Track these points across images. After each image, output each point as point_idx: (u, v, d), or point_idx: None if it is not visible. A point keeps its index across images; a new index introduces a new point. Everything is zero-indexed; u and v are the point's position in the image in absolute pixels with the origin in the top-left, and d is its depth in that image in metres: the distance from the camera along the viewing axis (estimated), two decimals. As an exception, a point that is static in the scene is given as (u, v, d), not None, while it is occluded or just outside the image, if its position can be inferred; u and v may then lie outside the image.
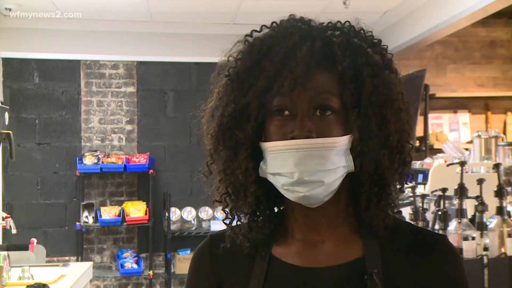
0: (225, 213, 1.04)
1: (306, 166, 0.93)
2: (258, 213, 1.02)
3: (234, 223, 1.04)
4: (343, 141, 0.95)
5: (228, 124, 0.98)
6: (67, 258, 5.51)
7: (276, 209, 1.06)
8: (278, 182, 0.96)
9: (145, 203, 5.61)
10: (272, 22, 1.01)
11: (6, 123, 4.10)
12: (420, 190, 2.92)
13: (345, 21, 1.01)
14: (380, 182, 0.97)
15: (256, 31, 1.01)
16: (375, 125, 0.96)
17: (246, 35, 1.01)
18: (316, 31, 0.99)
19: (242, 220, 1.03)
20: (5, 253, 3.03)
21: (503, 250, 2.26)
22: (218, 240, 1.05)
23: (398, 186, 1.01)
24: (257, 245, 1.02)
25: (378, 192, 0.97)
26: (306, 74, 0.93)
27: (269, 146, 0.96)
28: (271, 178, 0.97)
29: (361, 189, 0.97)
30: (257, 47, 0.98)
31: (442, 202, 2.46)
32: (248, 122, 0.97)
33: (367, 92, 0.96)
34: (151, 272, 5.57)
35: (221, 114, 0.99)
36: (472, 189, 2.39)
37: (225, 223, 1.05)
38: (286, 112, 0.95)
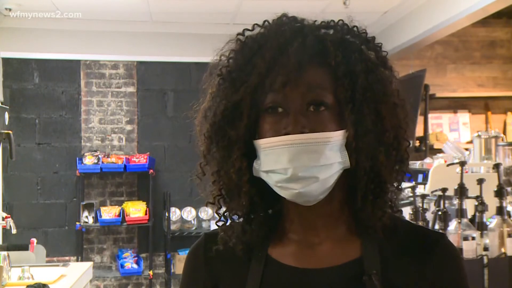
0: (218, 215, 1.02)
1: (300, 161, 0.91)
2: (252, 216, 1.00)
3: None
4: (337, 136, 0.93)
5: (220, 123, 0.97)
6: (67, 258, 5.51)
7: (270, 211, 1.03)
8: (272, 180, 0.94)
9: (145, 203, 5.61)
10: (264, 21, 1.00)
11: (6, 123, 4.10)
12: (420, 190, 2.92)
13: (339, 20, 1.00)
14: (376, 179, 0.95)
15: (248, 30, 1.00)
16: (370, 121, 0.94)
17: (238, 34, 1.00)
18: (308, 29, 0.98)
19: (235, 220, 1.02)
20: (5, 253, 3.03)
21: (503, 250, 2.26)
22: (213, 240, 1.03)
23: (396, 184, 0.99)
24: (252, 246, 1.00)
25: (375, 190, 0.96)
26: (298, 70, 0.92)
27: (262, 143, 0.94)
28: (264, 176, 0.96)
29: (357, 187, 0.95)
30: (249, 45, 0.97)
31: (442, 202, 2.46)
32: (241, 120, 0.96)
33: (361, 88, 0.94)
34: (151, 272, 5.57)
35: (213, 113, 0.98)
36: (472, 189, 2.39)
37: (218, 226, 1.03)
38: (280, 109, 0.94)
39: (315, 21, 1.00)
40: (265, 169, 0.95)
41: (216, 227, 1.05)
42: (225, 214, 1.02)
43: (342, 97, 0.93)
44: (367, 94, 0.94)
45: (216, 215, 1.03)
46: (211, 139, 0.99)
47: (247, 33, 1.00)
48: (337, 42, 0.96)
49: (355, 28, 1.00)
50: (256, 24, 1.00)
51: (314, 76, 0.94)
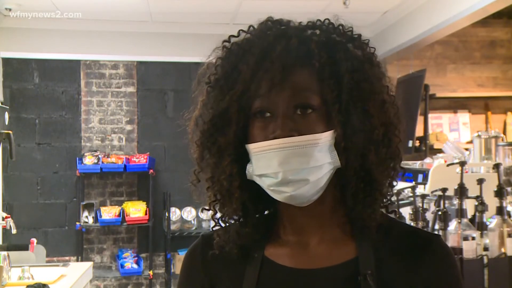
0: (214, 220, 1.03)
1: (290, 165, 0.91)
2: (247, 219, 1.01)
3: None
4: (325, 137, 0.93)
5: (210, 131, 0.98)
6: (67, 258, 5.51)
7: (266, 212, 1.05)
8: (264, 183, 0.95)
9: (145, 203, 5.61)
10: (249, 26, 1.00)
11: (6, 123, 4.11)
12: (420, 190, 2.92)
13: (325, 19, 1.00)
14: (367, 177, 0.95)
15: (234, 36, 1.01)
16: (358, 120, 0.94)
17: (224, 41, 1.01)
18: (292, 31, 0.98)
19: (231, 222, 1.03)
20: (5, 253, 3.03)
21: (503, 250, 2.26)
22: (210, 241, 1.04)
23: (388, 182, 0.99)
24: (248, 247, 1.01)
25: (365, 188, 0.96)
26: (282, 73, 0.93)
27: (252, 148, 0.95)
28: (257, 180, 0.97)
29: (347, 186, 0.96)
30: (234, 52, 0.98)
31: (442, 202, 2.46)
32: (230, 127, 0.96)
33: (347, 87, 0.94)
34: (151, 272, 5.57)
35: (203, 121, 0.99)
36: (472, 189, 2.38)
37: (213, 231, 1.04)
38: (267, 114, 0.94)
39: (300, 22, 1.00)
40: (257, 173, 0.96)
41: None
42: (222, 219, 1.03)
43: (329, 98, 0.94)
44: (353, 93, 0.94)
45: (212, 220, 1.04)
46: (203, 147, 1.00)
47: (233, 39, 1.00)
48: (322, 43, 0.96)
49: (340, 27, 0.99)
50: (241, 29, 1.01)
51: (299, 78, 0.94)
